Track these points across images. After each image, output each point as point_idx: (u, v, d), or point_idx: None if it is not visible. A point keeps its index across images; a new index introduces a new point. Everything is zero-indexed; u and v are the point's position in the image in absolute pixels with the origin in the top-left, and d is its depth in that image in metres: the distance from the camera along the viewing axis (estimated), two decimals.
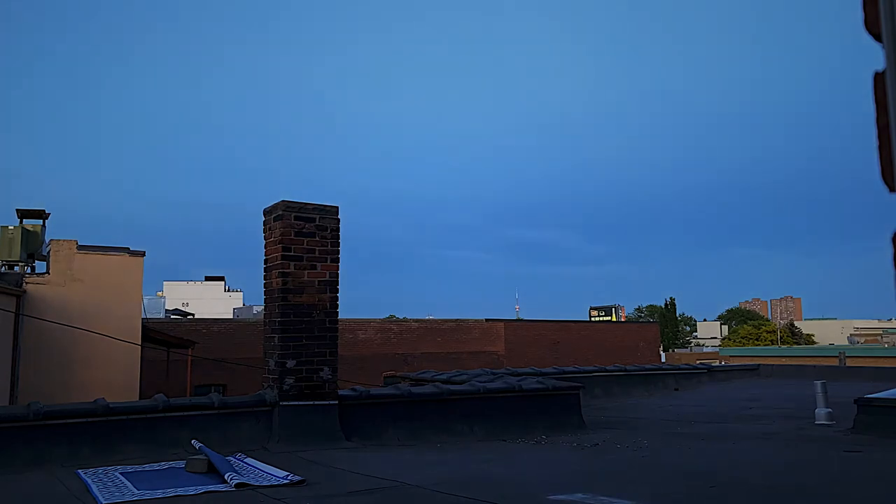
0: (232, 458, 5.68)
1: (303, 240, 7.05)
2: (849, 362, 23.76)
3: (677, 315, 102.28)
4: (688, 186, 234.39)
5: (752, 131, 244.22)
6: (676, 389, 13.40)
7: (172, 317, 30.70)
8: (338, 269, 7.23)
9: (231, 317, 44.26)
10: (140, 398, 14.14)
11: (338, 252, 7.25)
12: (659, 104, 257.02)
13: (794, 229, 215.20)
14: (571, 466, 6.01)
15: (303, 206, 7.11)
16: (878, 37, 0.98)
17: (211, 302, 61.13)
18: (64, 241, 15.51)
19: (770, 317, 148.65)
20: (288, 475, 5.06)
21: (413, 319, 28.50)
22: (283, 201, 7.07)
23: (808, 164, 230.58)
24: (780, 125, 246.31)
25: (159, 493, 4.62)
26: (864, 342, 63.12)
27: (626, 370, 13.34)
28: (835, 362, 24.09)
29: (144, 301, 17.48)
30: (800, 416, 8.81)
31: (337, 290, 7.21)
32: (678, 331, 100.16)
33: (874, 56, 0.99)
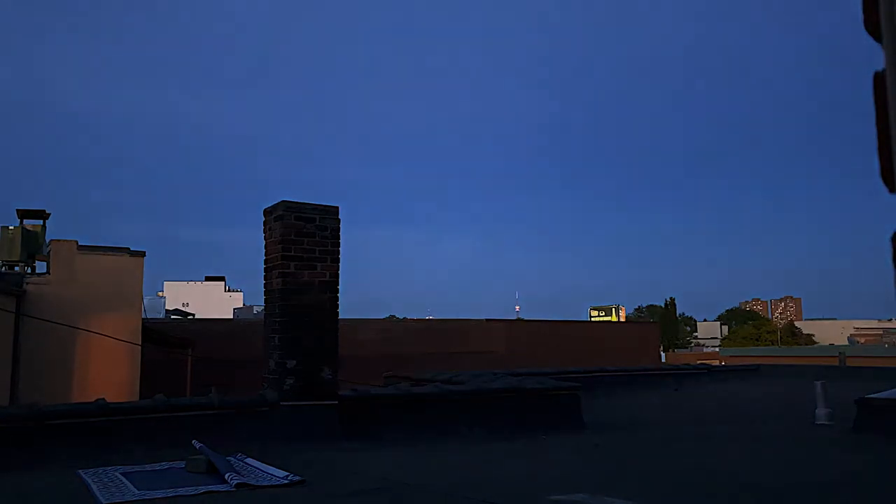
0: (232, 458, 5.68)
1: (303, 240, 7.05)
2: (849, 362, 23.73)
3: (677, 315, 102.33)
4: (688, 186, 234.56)
5: (752, 132, 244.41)
6: (676, 390, 13.40)
7: (172, 317, 30.66)
8: (338, 270, 7.24)
9: (231, 317, 44.23)
10: (140, 398, 14.14)
11: (338, 252, 7.26)
12: (659, 104, 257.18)
13: (795, 229, 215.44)
14: (571, 466, 6.01)
15: (303, 207, 7.12)
16: (877, 37, 0.98)
17: (211, 302, 61.08)
18: (64, 241, 15.50)
19: (770, 317, 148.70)
20: (288, 475, 5.06)
21: (413, 319, 28.44)
22: (283, 201, 7.08)
23: (806, 165, 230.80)
24: (778, 127, 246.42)
25: (159, 493, 4.62)
26: (864, 342, 63.13)
27: (626, 370, 13.34)
28: (835, 362, 24.07)
29: (145, 301, 17.48)
30: (800, 417, 8.81)
31: (337, 291, 7.22)
32: (678, 331, 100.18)
33: (875, 56, 0.99)
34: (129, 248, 15.93)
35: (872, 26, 0.98)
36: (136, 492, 4.66)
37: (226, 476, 4.98)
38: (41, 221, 17.21)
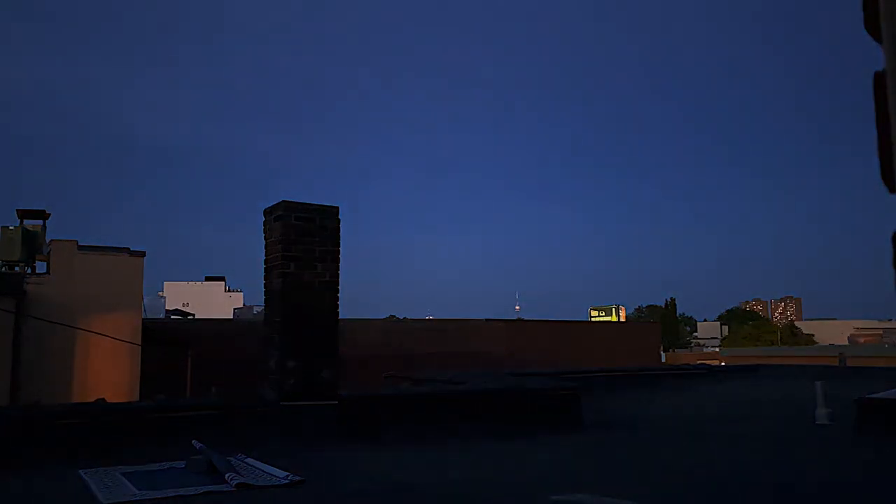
0: (232, 458, 5.68)
1: (303, 240, 7.05)
2: (849, 362, 23.72)
3: (677, 315, 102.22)
4: (688, 186, 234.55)
5: (753, 132, 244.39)
6: (677, 390, 13.39)
7: (172, 317, 30.64)
8: (338, 270, 7.24)
9: (231, 317, 44.21)
10: (140, 398, 14.15)
11: (338, 252, 7.26)
12: (658, 106, 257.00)
13: (795, 228, 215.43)
14: (571, 466, 6.01)
15: (303, 207, 7.11)
16: (878, 37, 0.98)
17: (211, 302, 61.05)
18: (64, 241, 15.52)
19: (770, 317, 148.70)
20: (288, 475, 5.06)
21: (413, 319, 28.40)
22: (283, 202, 7.08)
23: (806, 165, 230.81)
24: (778, 128, 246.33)
25: (159, 493, 4.62)
26: (864, 342, 63.03)
27: (626, 370, 13.34)
28: (835, 362, 24.06)
29: (145, 301, 17.50)
30: (800, 417, 8.81)
31: (337, 291, 7.22)
32: (678, 331, 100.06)
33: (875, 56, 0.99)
34: (129, 248, 15.94)
35: (872, 26, 0.98)
36: (136, 492, 4.66)
37: (226, 476, 4.98)
38: (41, 221, 17.20)
